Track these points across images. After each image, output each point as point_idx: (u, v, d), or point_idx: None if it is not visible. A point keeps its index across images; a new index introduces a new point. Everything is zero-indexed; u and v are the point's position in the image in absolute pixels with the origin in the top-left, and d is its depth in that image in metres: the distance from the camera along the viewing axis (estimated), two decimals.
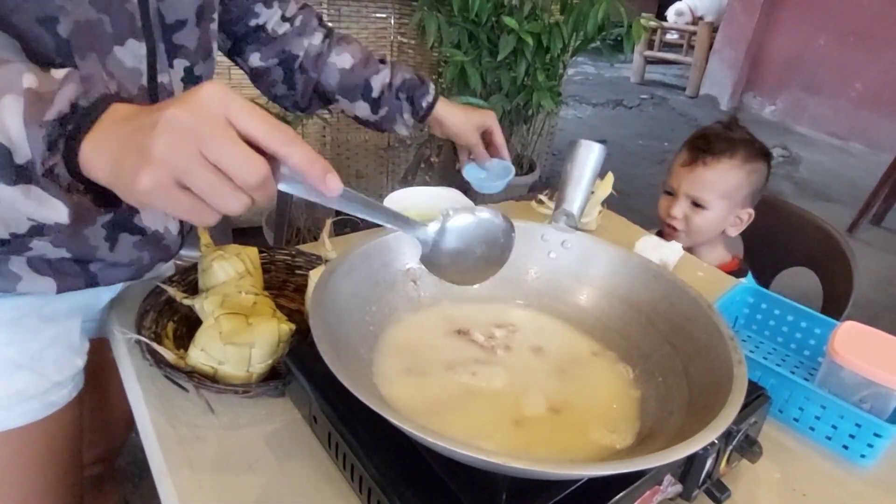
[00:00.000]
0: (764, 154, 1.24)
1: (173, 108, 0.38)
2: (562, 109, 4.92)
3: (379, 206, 0.46)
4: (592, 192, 1.08)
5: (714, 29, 5.36)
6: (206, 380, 0.66)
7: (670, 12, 6.00)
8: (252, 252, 0.82)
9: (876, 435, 0.66)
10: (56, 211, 0.44)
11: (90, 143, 0.41)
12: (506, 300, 0.67)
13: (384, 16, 2.59)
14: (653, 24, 5.95)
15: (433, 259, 0.53)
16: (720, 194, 1.21)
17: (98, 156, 0.41)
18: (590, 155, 0.66)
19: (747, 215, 1.26)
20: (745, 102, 5.27)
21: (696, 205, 1.23)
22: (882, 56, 4.30)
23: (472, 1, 2.19)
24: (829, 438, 0.69)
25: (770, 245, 1.37)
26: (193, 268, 0.83)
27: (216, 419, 0.66)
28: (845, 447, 0.68)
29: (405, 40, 2.66)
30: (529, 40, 2.25)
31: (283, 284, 0.87)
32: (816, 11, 4.60)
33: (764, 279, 1.37)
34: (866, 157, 4.30)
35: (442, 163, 2.77)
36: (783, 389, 0.71)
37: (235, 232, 2.24)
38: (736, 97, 5.26)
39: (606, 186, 1.08)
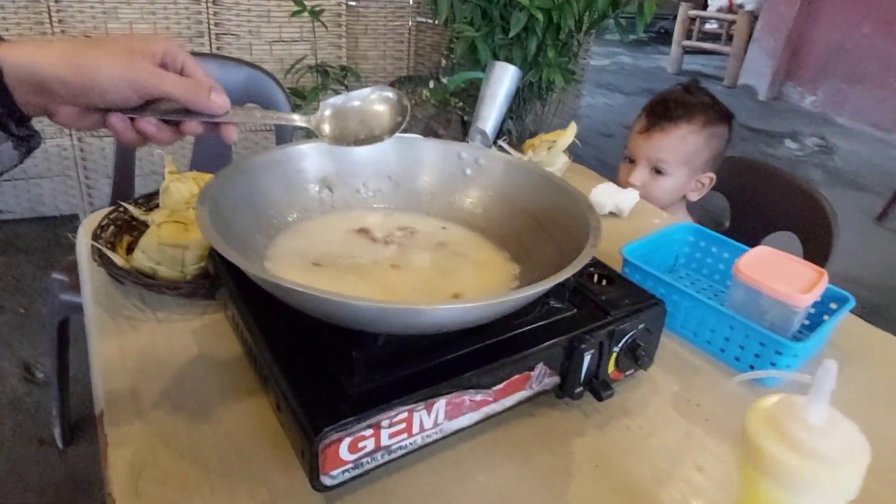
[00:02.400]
0: (725, 117, 1.23)
1: None
2: (593, 97, 4.88)
3: (265, 112, 0.55)
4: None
5: (754, 18, 5.22)
6: (145, 278, 0.72)
7: None
8: (209, 178, 0.88)
9: (777, 353, 0.67)
10: None
11: None
12: (418, 211, 0.71)
13: None
14: (692, 13, 5.85)
15: (325, 134, 0.57)
16: (679, 160, 1.20)
17: None
18: (504, 76, 0.69)
19: (708, 180, 1.25)
20: (785, 92, 5.12)
21: (657, 171, 1.22)
22: None
23: None
24: (737, 360, 0.71)
25: (756, 209, 1.36)
26: (156, 193, 0.90)
27: (153, 314, 0.72)
28: (752, 367, 0.70)
29: (423, 19, 2.71)
30: (540, 17, 2.26)
31: None
32: None
33: (750, 243, 1.36)
34: None
35: (451, 137, 2.80)
36: (696, 311, 0.72)
37: None
38: (775, 87, 5.11)
39: (569, 135, 1.10)
